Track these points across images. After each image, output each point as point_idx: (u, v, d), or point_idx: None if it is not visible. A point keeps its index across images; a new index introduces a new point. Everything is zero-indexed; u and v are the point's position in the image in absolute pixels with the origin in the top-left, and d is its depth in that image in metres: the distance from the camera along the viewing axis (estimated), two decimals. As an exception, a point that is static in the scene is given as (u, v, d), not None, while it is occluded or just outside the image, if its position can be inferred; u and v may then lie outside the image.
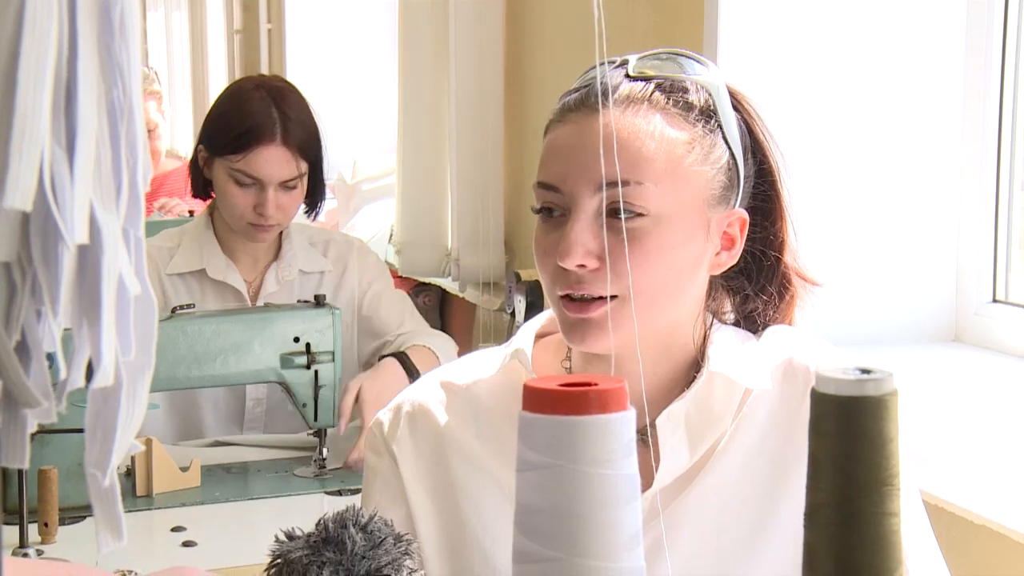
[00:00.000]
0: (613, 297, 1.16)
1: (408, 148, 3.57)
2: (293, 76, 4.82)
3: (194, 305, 2.22)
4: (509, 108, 3.21)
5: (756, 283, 1.28)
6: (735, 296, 1.29)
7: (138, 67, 0.60)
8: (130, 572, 1.10)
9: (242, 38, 5.67)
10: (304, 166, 2.37)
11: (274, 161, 2.32)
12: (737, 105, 1.25)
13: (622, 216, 1.14)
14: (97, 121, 0.57)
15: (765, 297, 1.28)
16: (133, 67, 0.59)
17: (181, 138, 6.66)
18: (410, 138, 3.56)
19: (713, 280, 1.26)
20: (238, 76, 5.71)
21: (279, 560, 1.12)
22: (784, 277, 1.29)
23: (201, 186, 2.45)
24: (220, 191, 2.39)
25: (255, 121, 2.33)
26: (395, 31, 3.70)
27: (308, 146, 2.37)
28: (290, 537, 1.11)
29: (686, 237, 1.18)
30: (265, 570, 1.12)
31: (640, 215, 1.16)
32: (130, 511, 2.03)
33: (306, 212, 2.50)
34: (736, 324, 1.30)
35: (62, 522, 1.89)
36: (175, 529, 1.95)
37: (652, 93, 1.19)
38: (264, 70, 5.20)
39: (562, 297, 1.18)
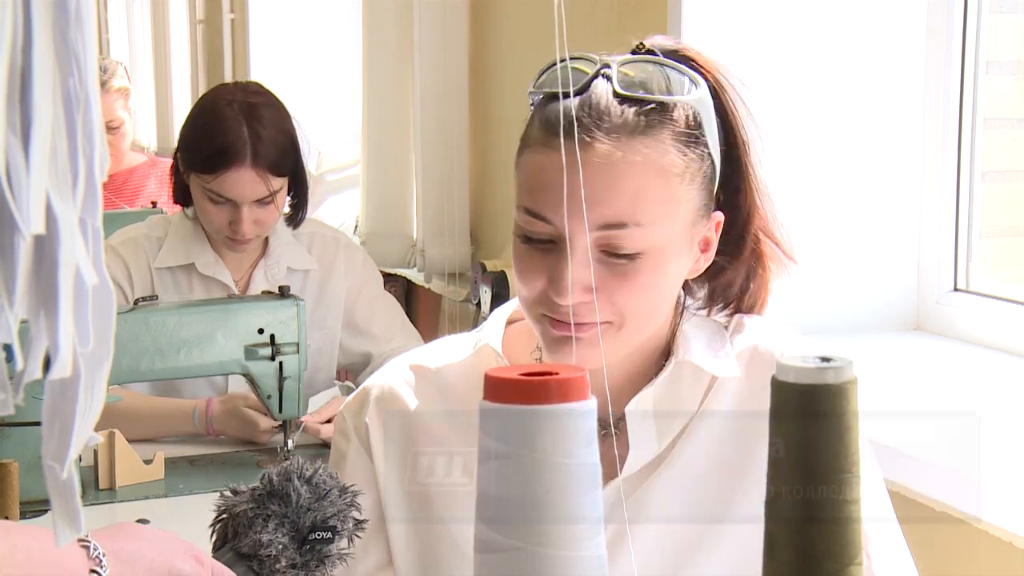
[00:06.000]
0: (607, 322, 1.16)
1: (373, 139, 3.56)
2: (256, 67, 4.80)
3: (156, 297, 2.20)
4: (474, 98, 3.21)
5: (724, 255, 1.26)
6: (707, 284, 1.29)
7: (95, 55, 0.59)
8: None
9: (205, 28, 5.62)
10: (278, 182, 2.35)
11: (246, 183, 2.31)
12: (706, 75, 1.20)
13: (617, 256, 1.13)
14: (53, 110, 0.57)
15: (733, 271, 1.27)
16: (89, 55, 0.58)
17: (143, 130, 6.61)
18: (375, 129, 3.55)
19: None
20: (201, 66, 5.67)
21: (224, 514, 1.11)
22: (754, 252, 1.27)
23: (182, 193, 2.44)
24: (197, 205, 2.39)
25: (225, 142, 2.30)
26: (359, 21, 3.68)
27: (281, 163, 2.34)
28: (235, 492, 1.11)
29: (676, 260, 1.18)
30: (210, 525, 1.11)
31: (638, 254, 1.14)
32: (92, 504, 2.01)
33: (288, 221, 2.48)
34: (710, 298, 1.30)
35: (23, 516, 1.87)
36: (138, 522, 1.93)
37: (645, 121, 1.14)
38: (227, 60, 5.16)
39: (546, 316, 1.17)
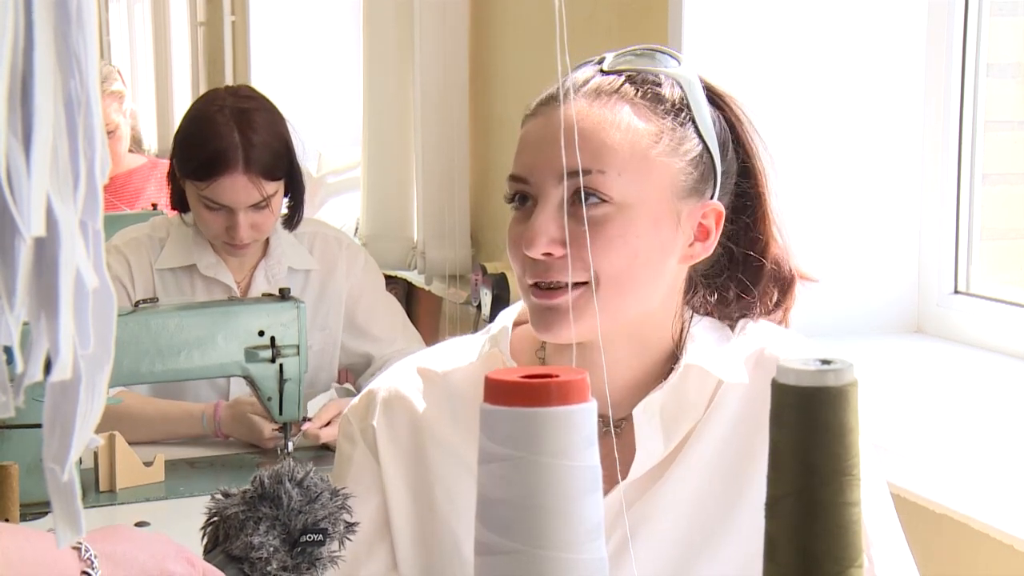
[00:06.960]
0: (579, 285, 1.16)
1: (373, 141, 3.56)
2: (257, 69, 4.80)
3: (157, 299, 2.21)
4: (474, 101, 3.21)
5: (740, 283, 1.28)
6: (716, 293, 1.30)
7: (96, 57, 0.59)
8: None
9: (206, 30, 5.62)
10: (272, 187, 2.34)
11: (239, 189, 2.31)
12: (721, 105, 1.25)
13: (583, 203, 1.15)
14: (54, 112, 0.57)
15: (750, 297, 1.29)
16: (90, 57, 0.58)
17: (144, 132, 6.61)
18: (375, 131, 3.55)
19: (693, 276, 1.27)
20: (202, 69, 5.67)
21: (215, 517, 1.11)
22: (772, 277, 1.29)
23: (179, 199, 2.44)
24: (193, 211, 2.39)
25: (217, 149, 2.29)
26: (360, 23, 3.68)
27: (275, 168, 2.34)
28: (226, 495, 1.11)
29: (651, 225, 1.18)
30: (201, 528, 1.11)
31: (603, 202, 1.17)
32: (93, 506, 2.01)
33: (285, 223, 2.48)
34: (730, 316, 1.31)
35: (23, 518, 1.87)
36: (139, 524, 1.93)
37: (622, 85, 1.20)
38: (228, 63, 5.16)
39: (531, 285, 1.19)
